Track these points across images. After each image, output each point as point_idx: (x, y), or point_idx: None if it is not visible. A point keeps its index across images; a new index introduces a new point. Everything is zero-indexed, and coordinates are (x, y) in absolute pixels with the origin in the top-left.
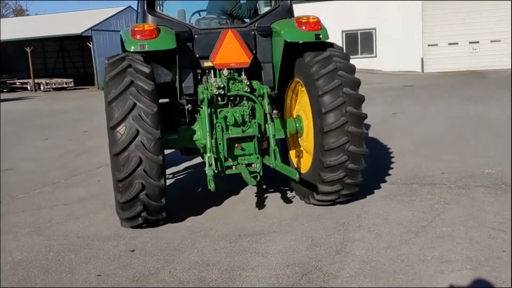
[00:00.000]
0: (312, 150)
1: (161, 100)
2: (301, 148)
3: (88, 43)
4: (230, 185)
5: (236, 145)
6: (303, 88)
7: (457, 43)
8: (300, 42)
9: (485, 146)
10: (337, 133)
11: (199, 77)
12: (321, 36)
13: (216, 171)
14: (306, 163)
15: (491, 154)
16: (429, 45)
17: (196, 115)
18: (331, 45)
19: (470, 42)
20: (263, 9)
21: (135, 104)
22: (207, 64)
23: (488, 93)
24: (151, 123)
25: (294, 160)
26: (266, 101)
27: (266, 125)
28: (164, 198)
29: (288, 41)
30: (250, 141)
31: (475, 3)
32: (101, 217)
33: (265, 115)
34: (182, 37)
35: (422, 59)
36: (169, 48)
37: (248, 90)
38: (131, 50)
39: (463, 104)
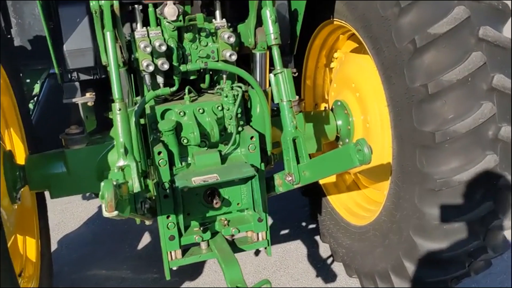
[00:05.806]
0: (388, 183)
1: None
2: (345, 174)
3: None
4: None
5: (208, 194)
6: (352, 42)
7: None
8: None
9: None
10: (467, 191)
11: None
12: None
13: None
14: (364, 208)
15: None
16: None
17: (107, 115)
18: None
19: None
20: None
21: None
22: None
23: None
24: None
25: (330, 196)
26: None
27: (277, 75)
28: None
29: None
30: (243, 183)
31: None
32: None
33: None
34: None
35: None
36: None
37: (234, 56)
38: None
39: None
